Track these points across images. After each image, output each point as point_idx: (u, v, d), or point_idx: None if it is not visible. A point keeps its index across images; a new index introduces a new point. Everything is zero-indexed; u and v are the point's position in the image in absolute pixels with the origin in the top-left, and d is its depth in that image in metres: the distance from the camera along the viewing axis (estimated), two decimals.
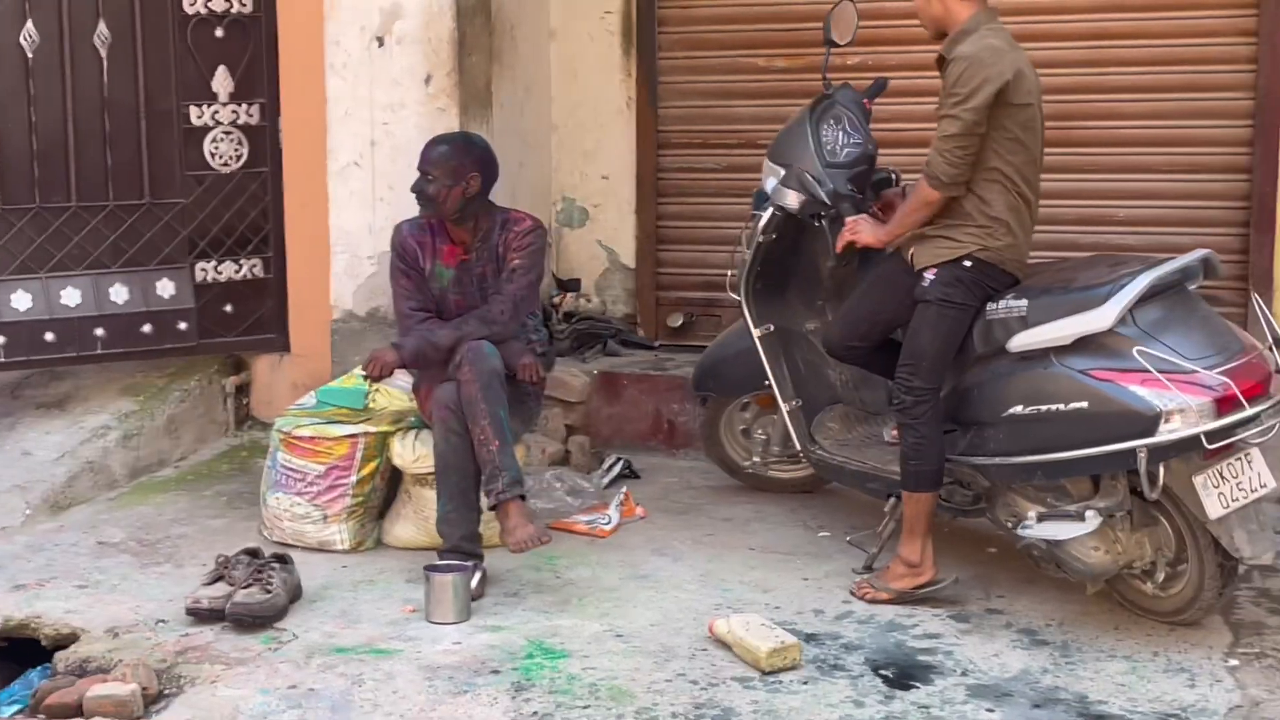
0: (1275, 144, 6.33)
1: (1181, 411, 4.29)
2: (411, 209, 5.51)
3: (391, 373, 5.30)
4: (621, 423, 6.83)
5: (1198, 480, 4.40)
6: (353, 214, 6.42)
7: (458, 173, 5.27)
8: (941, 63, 4.80)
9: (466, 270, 5.38)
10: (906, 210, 4.89)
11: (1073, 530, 4.56)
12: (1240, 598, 4.93)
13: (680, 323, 7.30)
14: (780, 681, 4.37)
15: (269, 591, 4.81)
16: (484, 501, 5.13)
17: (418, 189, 5.29)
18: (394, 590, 5.14)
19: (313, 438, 5.53)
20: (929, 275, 4.82)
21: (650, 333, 7.38)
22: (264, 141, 6.65)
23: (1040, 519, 4.67)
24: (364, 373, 5.31)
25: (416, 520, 5.52)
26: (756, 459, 6.01)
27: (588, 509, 5.90)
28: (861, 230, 5.02)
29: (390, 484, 5.64)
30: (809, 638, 4.67)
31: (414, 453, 5.47)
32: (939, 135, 4.70)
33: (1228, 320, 4.72)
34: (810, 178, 5.18)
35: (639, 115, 7.30)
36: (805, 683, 4.36)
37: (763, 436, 5.96)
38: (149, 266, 6.52)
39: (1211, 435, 4.28)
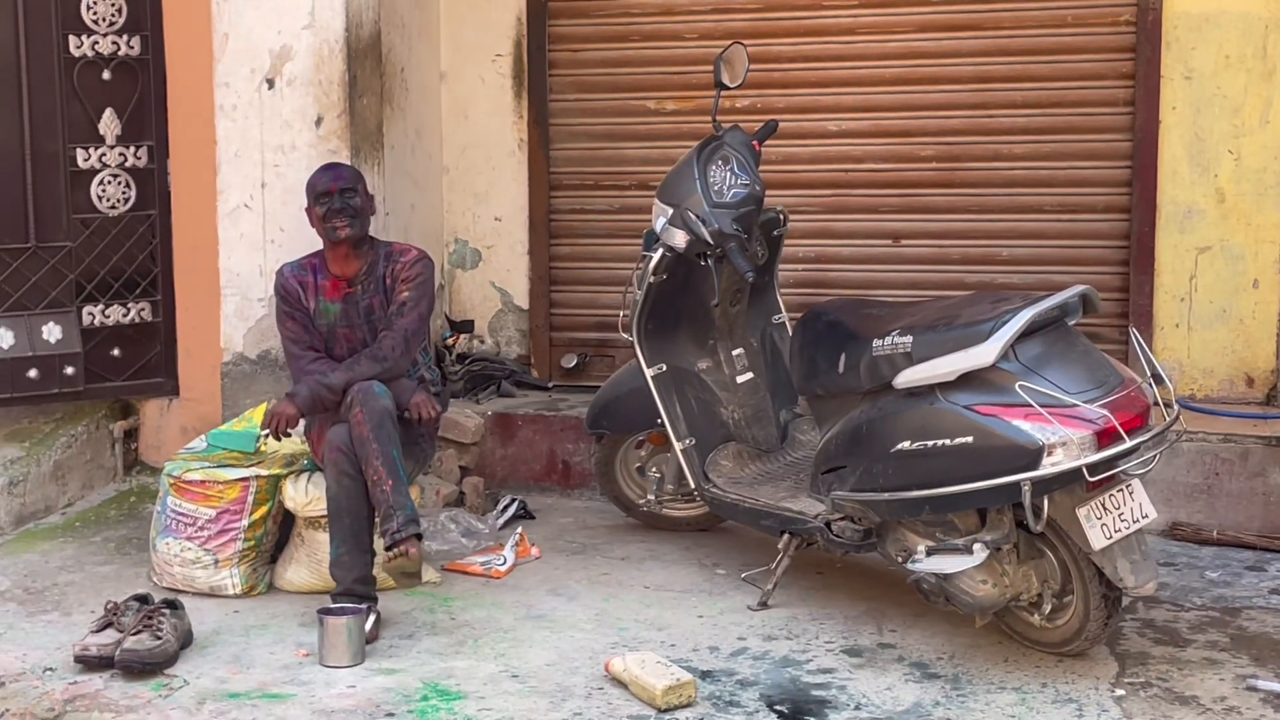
0: (1153, 184, 6.49)
1: (1063, 445, 4.36)
2: (300, 250, 5.50)
3: (295, 424, 5.27)
4: (516, 463, 6.83)
5: (1081, 512, 4.48)
6: (243, 256, 6.38)
7: (366, 186, 5.40)
8: None
9: (353, 303, 5.38)
10: None
11: (961, 563, 4.62)
12: (1125, 628, 5.02)
13: (574, 363, 7.32)
14: (676, 719, 4.38)
15: (159, 638, 4.75)
16: (379, 543, 5.11)
17: (342, 206, 5.28)
18: (287, 634, 5.10)
19: (203, 481, 5.48)
20: None
21: (544, 373, 7.39)
22: (152, 184, 6.60)
23: (929, 553, 4.73)
24: (265, 431, 5.29)
25: (309, 564, 5.48)
26: (651, 497, 6.03)
27: (483, 550, 5.89)
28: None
29: (282, 527, 5.60)
30: (704, 675, 4.69)
31: (306, 495, 5.43)
32: None
33: (1107, 355, 4.81)
34: (695, 217, 5.23)
35: (531, 157, 7.33)
36: (701, 719, 4.38)
37: (657, 475, 5.99)
38: (35, 310, 6.43)
39: (1093, 468, 4.35)
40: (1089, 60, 6.62)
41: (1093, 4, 6.57)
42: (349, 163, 6.12)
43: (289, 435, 5.31)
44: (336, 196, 5.29)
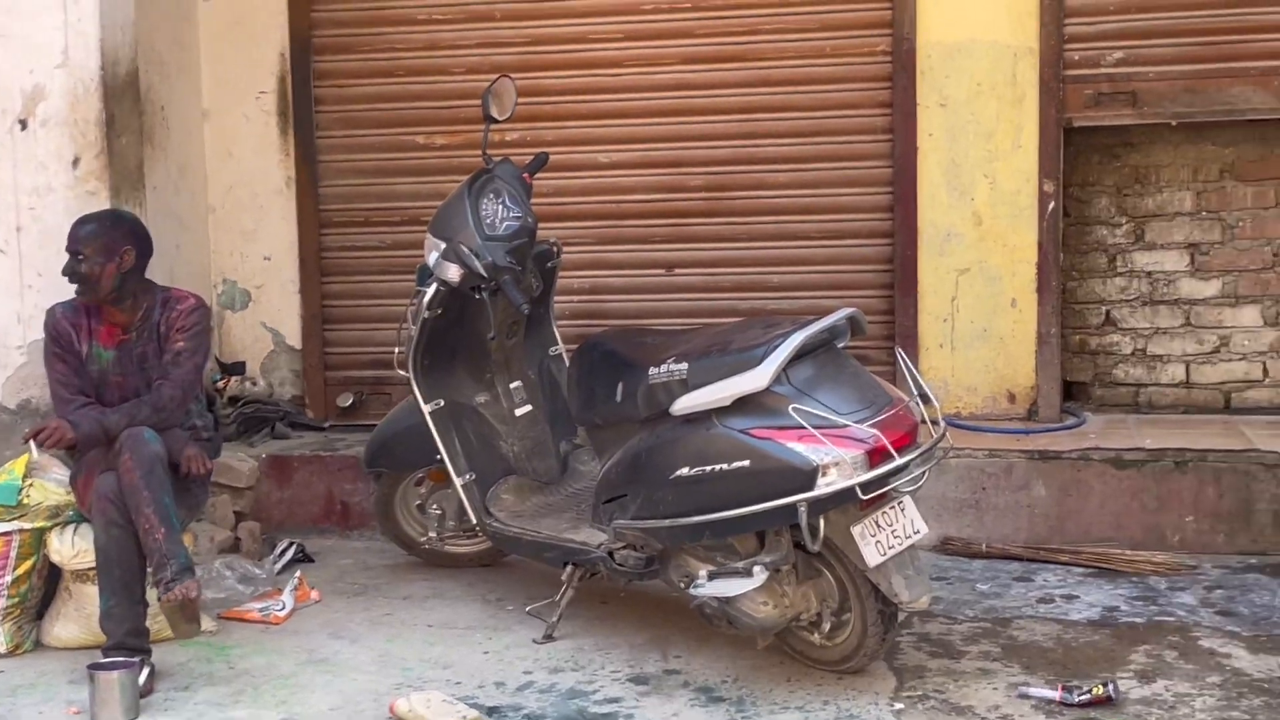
0: (913, 209, 6.68)
1: (837, 465, 4.44)
2: (63, 294, 5.32)
3: (63, 445, 5.08)
4: (294, 506, 6.71)
5: (855, 530, 4.57)
6: None
7: (110, 249, 5.14)
8: None
9: (127, 351, 5.23)
10: None
11: (741, 586, 4.67)
12: (902, 643, 5.13)
13: (350, 402, 7.23)
14: None
15: None
16: (151, 594, 4.97)
17: (70, 270, 5.14)
18: (57, 693, 4.91)
19: None
20: None
21: (320, 413, 7.28)
22: None
23: (710, 577, 4.77)
24: (33, 439, 5.07)
25: (78, 618, 5.29)
26: (433, 534, 5.98)
27: (260, 596, 5.76)
28: None
29: (48, 582, 5.40)
30: (491, 711, 4.65)
31: (73, 548, 5.25)
32: None
33: (875, 376, 4.93)
34: (468, 250, 5.23)
35: (299, 194, 7.23)
36: None
37: (438, 512, 5.93)
38: None
39: (865, 486, 4.44)
40: (848, 90, 6.80)
41: (850, 35, 6.75)
42: (109, 204, 5.94)
43: (44, 449, 5.11)
44: (71, 259, 5.16)
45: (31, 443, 5.10)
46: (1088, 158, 6.81)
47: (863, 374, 4.81)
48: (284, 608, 5.61)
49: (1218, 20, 6.44)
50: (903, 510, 4.66)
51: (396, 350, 5.61)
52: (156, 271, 6.23)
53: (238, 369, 7.23)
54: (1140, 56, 6.51)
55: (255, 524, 6.47)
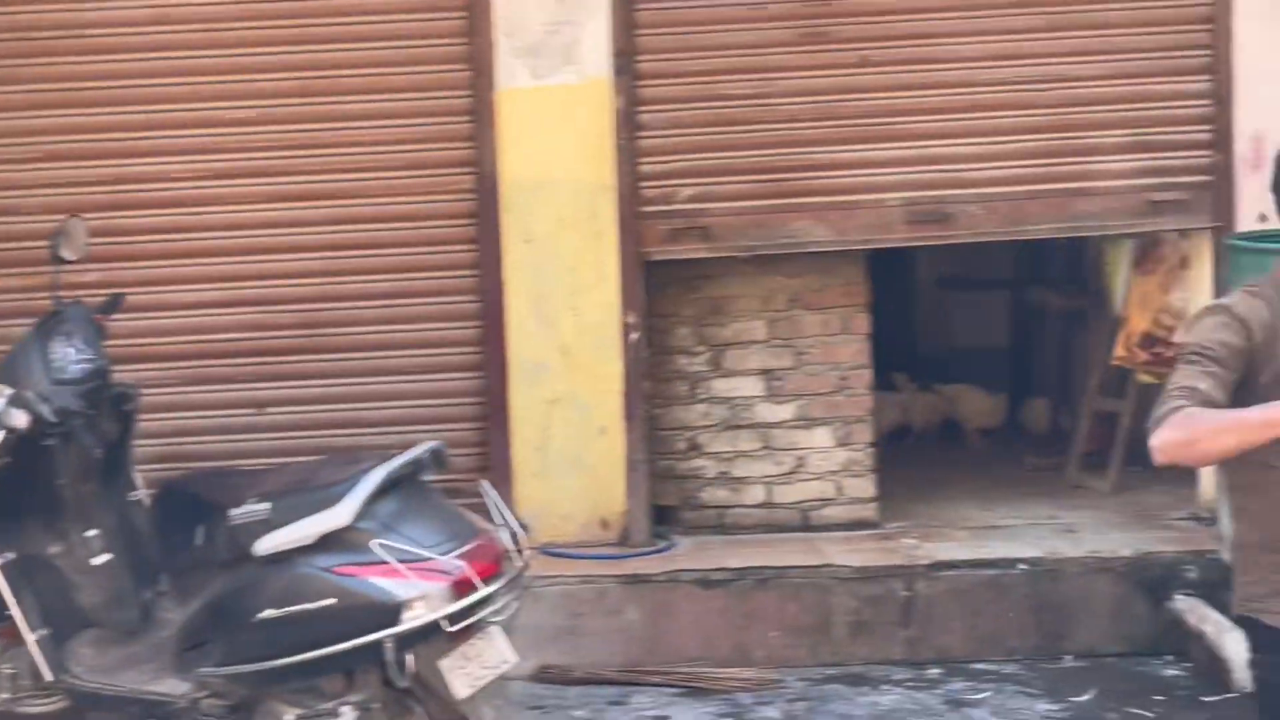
0: (502, 342, 6.77)
1: (423, 598, 4.46)
2: None
3: None
4: None
5: (444, 663, 4.56)
6: None
7: None
8: None
9: None
10: None
11: None
12: None
13: None
14: None
15: None
16: None
17: None
18: None
19: None
20: None
21: None
22: None
23: None
24: None
25: None
26: (6, 696, 5.62)
27: None
28: None
29: None
30: None
31: None
32: None
33: (463, 508, 4.97)
34: (36, 395, 5.04)
35: None
36: None
37: (10, 671, 5.59)
38: None
39: (451, 618, 4.46)
40: (435, 227, 6.89)
41: (435, 174, 6.85)
42: None
43: None
44: None
45: None
46: (667, 289, 7.07)
47: (447, 506, 4.86)
48: None
49: (779, 159, 6.84)
50: (491, 640, 4.69)
51: None
52: None
53: None
54: (710, 194, 6.84)
55: None
